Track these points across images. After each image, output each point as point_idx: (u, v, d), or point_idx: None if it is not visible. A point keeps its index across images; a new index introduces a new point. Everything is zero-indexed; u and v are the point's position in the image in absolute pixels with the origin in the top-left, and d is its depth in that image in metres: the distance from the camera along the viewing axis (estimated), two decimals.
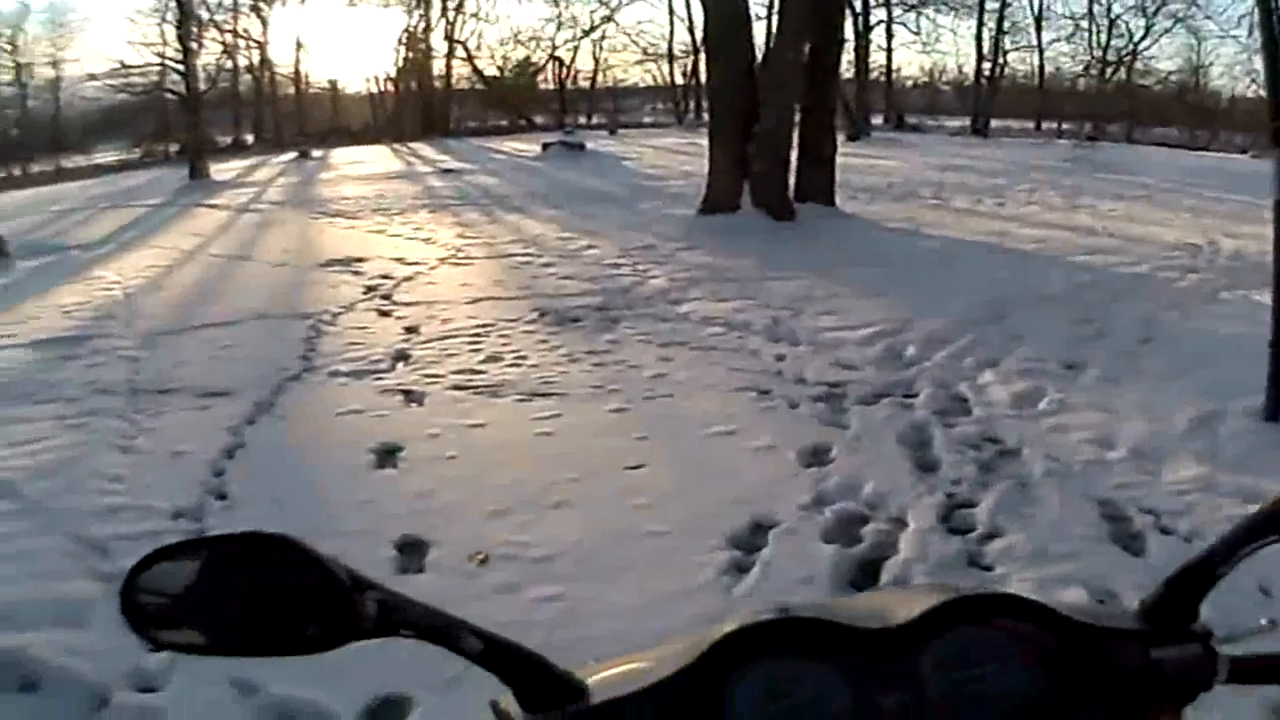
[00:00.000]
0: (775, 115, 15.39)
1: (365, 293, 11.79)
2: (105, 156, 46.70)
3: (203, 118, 36.07)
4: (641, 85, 62.81)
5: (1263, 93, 11.89)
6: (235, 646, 0.95)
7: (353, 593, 0.89)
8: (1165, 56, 77.27)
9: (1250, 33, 38.56)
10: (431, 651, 0.95)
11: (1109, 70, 52.25)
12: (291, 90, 55.61)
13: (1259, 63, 13.22)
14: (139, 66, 46.56)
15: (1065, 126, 48.76)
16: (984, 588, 1.10)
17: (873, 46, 49.25)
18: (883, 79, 53.49)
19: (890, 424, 6.81)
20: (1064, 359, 8.19)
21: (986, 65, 51.47)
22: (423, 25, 53.65)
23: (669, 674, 0.98)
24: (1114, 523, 5.26)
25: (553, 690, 0.97)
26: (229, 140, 50.59)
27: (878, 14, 51.02)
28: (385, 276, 12.73)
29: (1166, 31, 51.53)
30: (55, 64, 51.00)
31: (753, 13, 16.52)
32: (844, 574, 4.82)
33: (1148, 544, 5.01)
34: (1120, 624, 1.03)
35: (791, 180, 16.20)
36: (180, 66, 36.40)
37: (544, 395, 7.53)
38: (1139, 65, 52.59)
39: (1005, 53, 52.41)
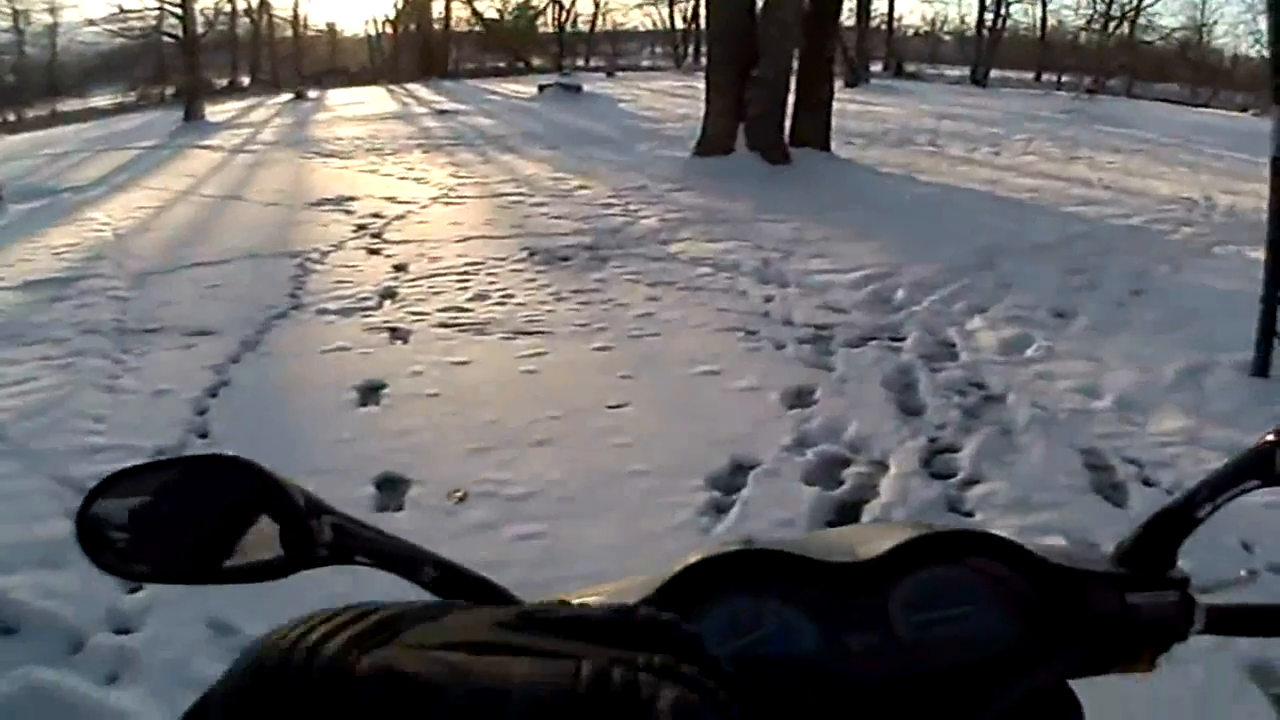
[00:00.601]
0: (774, 60, 15.24)
1: (355, 231, 11.74)
2: (101, 100, 46.50)
3: (200, 60, 35.87)
4: (641, 29, 62.73)
5: (1265, 53, 11.79)
6: (191, 574, 0.91)
7: (308, 518, 0.87)
8: (1169, 13, 77.18)
9: None
10: (406, 588, 0.91)
11: (1111, 25, 52.05)
12: (289, 33, 55.37)
13: (1263, 22, 13.16)
14: (137, 11, 46.39)
15: (1065, 79, 48.55)
16: (956, 525, 1.07)
17: None
18: (884, 26, 53.32)
19: (876, 367, 6.79)
20: (1053, 307, 8.16)
21: (989, 16, 51.18)
22: None
23: (632, 605, 0.93)
24: (1097, 472, 5.24)
25: None
26: (225, 82, 50.39)
27: None
28: (376, 215, 12.68)
29: None
30: (53, 10, 50.85)
31: None
32: (824, 516, 4.81)
33: (1130, 494, 5.00)
34: (1096, 567, 1.00)
35: (788, 125, 16.07)
36: (178, 10, 36.11)
37: (529, 333, 7.51)
38: (1142, 21, 52.44)
39: (1008, 4, 52.09)
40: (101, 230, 12.45)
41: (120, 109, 42.66)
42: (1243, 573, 1.04)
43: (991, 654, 0.94)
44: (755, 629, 0.96)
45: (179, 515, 0.89)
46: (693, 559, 0.97)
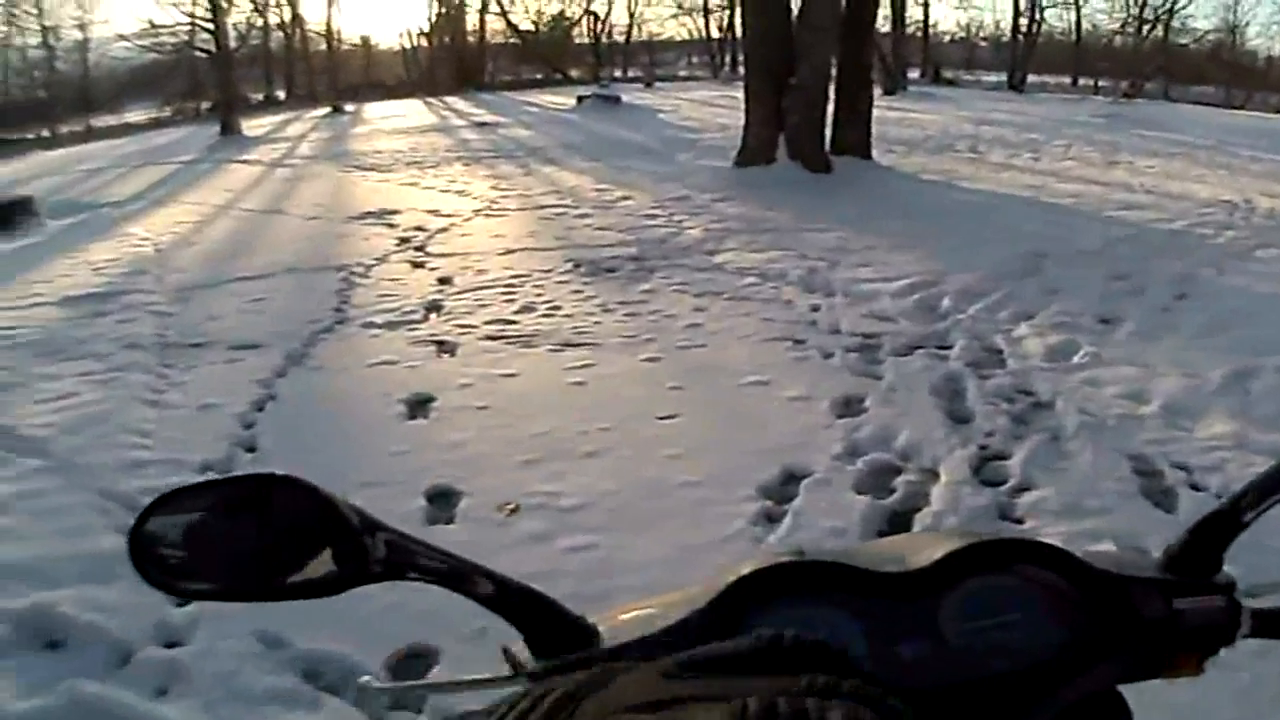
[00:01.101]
0: (811, 68, 15.16)
1: (398, 244, 11.74)
2: (135, 115, 46.81)
3: (234, 75, 36.08)
4: (677, 39, 62.82)
5: None
6: (245, 592, 0.92)
7: (362, 535, 0.88)
8: (1202, 15, 76.96)
9: None
10: (458, 603, 0.93)
11: (1145, 28, 51.79)
12: (323, 46, 55.64)
13: None
14: (168, 26, 46.56)
15: (1101, 84, 48.40)
16: (1004, 533, 1.04)
17: (910, 1, 48.92)
18: (919, 33, 53.28)
19: (924, 375, 6.73)
20: (1099, 313, 8.07)
21: (1024, 21, 51.01)
22: None
23: (682, 618, 0.96)
24: (1146, 478, 5.18)
25: (563, 635, 0.96)
26: (261, 97, 50.69)
27: None
28: (419, 228, 12.67)
29: None
30: (82, 26, 51.20)
31: None
32: (876, 525, 4.78)
33: (1179, 499, 4.94)
34: (1143, 573, 0.99)
35: (828, 134, 16.01)
36: (210, 25, 36.37)
37: (577, 345, 7.49)
38: (1175, 23, 52.19)
39: (1042, 9, 51.95)
40: (141, 245, 12.50)
41: (155, 124, 42.93)
42: None
43: (1041, 661, 0.94)
44: None
45: (232, 533, 0.90)
46: (745, 570, 0.97)
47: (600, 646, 0.96)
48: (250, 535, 0.88)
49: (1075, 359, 7.00)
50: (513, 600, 0.95)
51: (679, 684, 0.52)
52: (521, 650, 0.97)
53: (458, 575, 0.93)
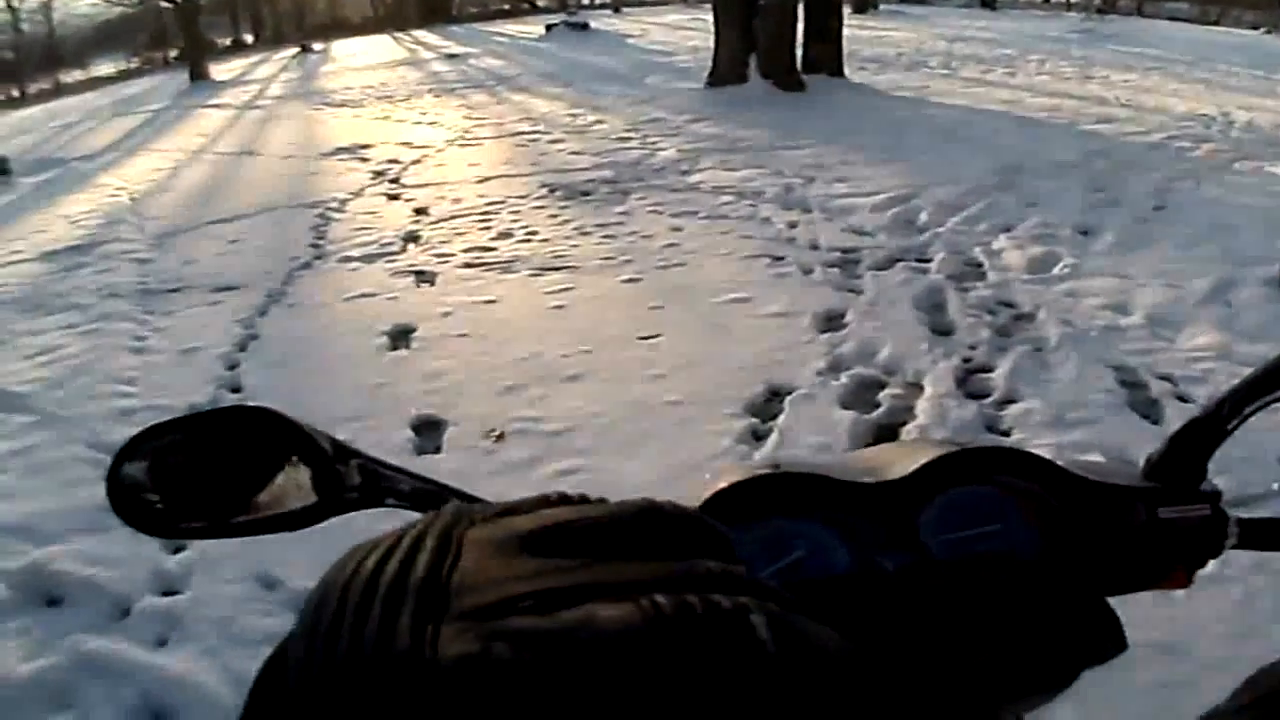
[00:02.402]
0: None
1: (373, 178, 11.69)
2: (104, 69, 46.41)
3: (200, 21, 35.68)
4: None
5: None
6: (226, 528, 0.86)
7: (336, 462, 0.84)
8: None
9: None
10: None
11: None
12: None
13: None
14: None
15: (1074, 0, 48.07)
16: (982, 442, 1.02)
17: None
18: None
19: (905, 289, 6.72)
20: (1078, 225, 8.02)
21: None
22: None
23: None
24: (1130, 389, 5.18)
25: None
26: (228, 41, 50.22)
27: None
28: (393, 161, 12.61)
29: None
30: None
31: None
32: (862, 439, 4.78)
33: (1164, 410, 4.93)
34: (1125, 481, 0.96)
35: (799, 53, 15.95)
36: None
37: (556, 269, 7.47)
38: None
39: None
40: (117, 195, 12.39)
41: (125, 76, 42.54)
42: (1275, 486, 0.99)
43: (1025, 571, 0.92)
44: (788, 553, 0.94)
45: (207, 470, 0.86)
46: (721, 484, 0.94)
47: None
48: (225, 470, 0.86)
49: (1056, 270, 6.97)
50: None
51: (563, 573, 0.46)
52: None
53: (434, 499, 0.90)
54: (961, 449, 0.96)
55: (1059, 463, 0.95)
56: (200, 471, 0.87)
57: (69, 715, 3.28)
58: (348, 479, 0.85)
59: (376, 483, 0.87)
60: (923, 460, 0.95)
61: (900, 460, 0.97)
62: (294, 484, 0.85)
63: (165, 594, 3.89)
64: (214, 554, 3.98)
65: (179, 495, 0.87)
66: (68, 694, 3.37)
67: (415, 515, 0.84)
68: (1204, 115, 13.60)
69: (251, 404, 0.87)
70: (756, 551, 0.93)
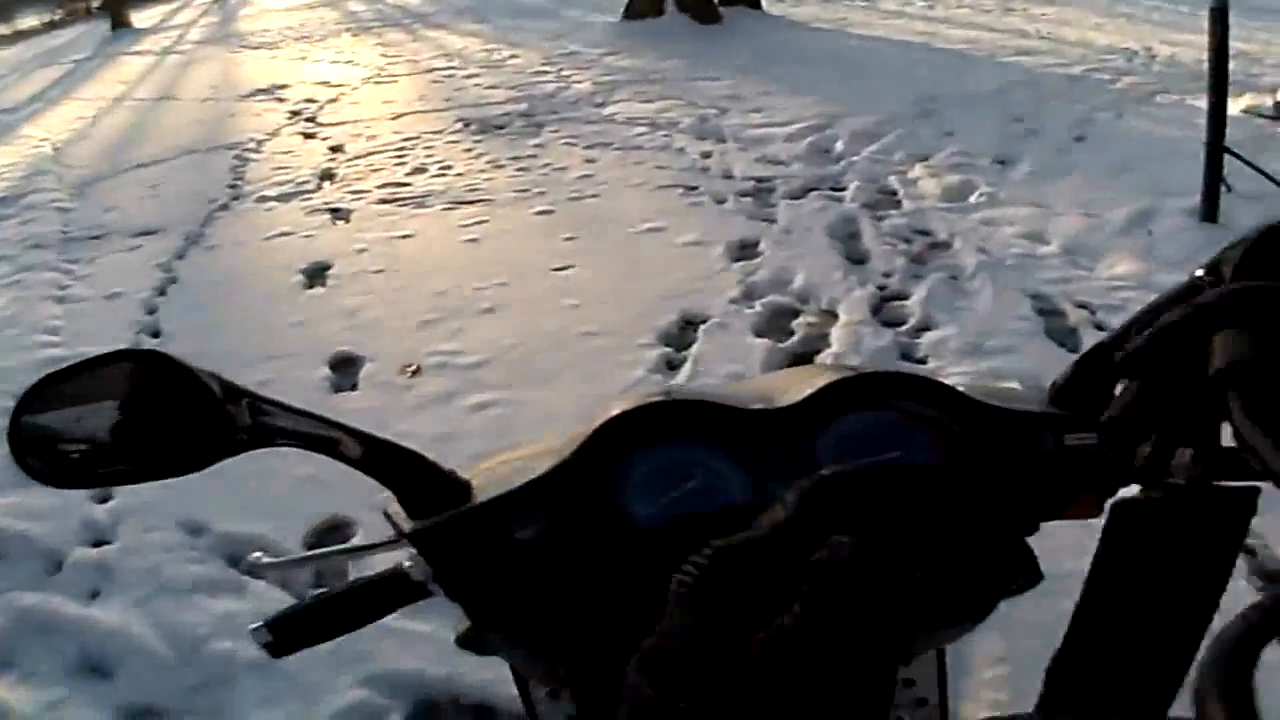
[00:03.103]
0: None
1: (289, 118, 11.49)
2: (28, 21, 45.38)
3: None
4: None
5: None
6: (122, 474, 0.89)
7: (225, 403, 0.85)
8: None
9: None
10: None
11: None
12: None
13: None
14: None
15: None
16: (880, 366, 0.99)
17: None
18: None
19: (819, 217, 6.66)
20: (995, 155, 7.89)
21: None
22: None
23: (553, 466, 0.94)
24: (1048, 317, 5.14)
25: (437, 491, 0.94)
26: None
27: None
28: (309, 100, 12.40)
29: None
30: None
31: None
32: (776, 367, 4.70)
33: (1082, 338, 4.89)
34: (1030, 408, 0.94)
35: None
36: None
37: (470, 203, 7.40)
38: None
39: None
40: (40, 146, 12.04)
41: (50, 27, 41.59)
42: None
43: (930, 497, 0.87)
44: (684, 482, 0.92)
45: (101, 417, 0.86)
46: (613, 412, 0.95)
47: (473, 501, 0.94)
48: (117, 416, 0.86)
49: (972, 199, 6.90)
50: (383, 460, 0.92)
51: None
52: (397, 510, 0.94)
53: (325, 438, 0.90)
54: (857, 374, 0.95)
55: (960, 389, 0.94)
56: (93, 419, 0.86)
57: (12, 674, 3.24)
58: (238, 419, 0.85)
59: (267, 422, 0.87)
60: (816, 386, 0.94)
61: (795, 386, 0.97)
62: (183, 427, 0.85)
63: (95, 544, 3.85)
64: (138, 502, 3.95)
65: (76, 443, 0.87)
66: (7, 652, 3.33)
67: (308, 455, 0.91)
68: (1126, 49, 13.46)
69: (135, 348, 0.89)
70: (652, 479, 0.93)
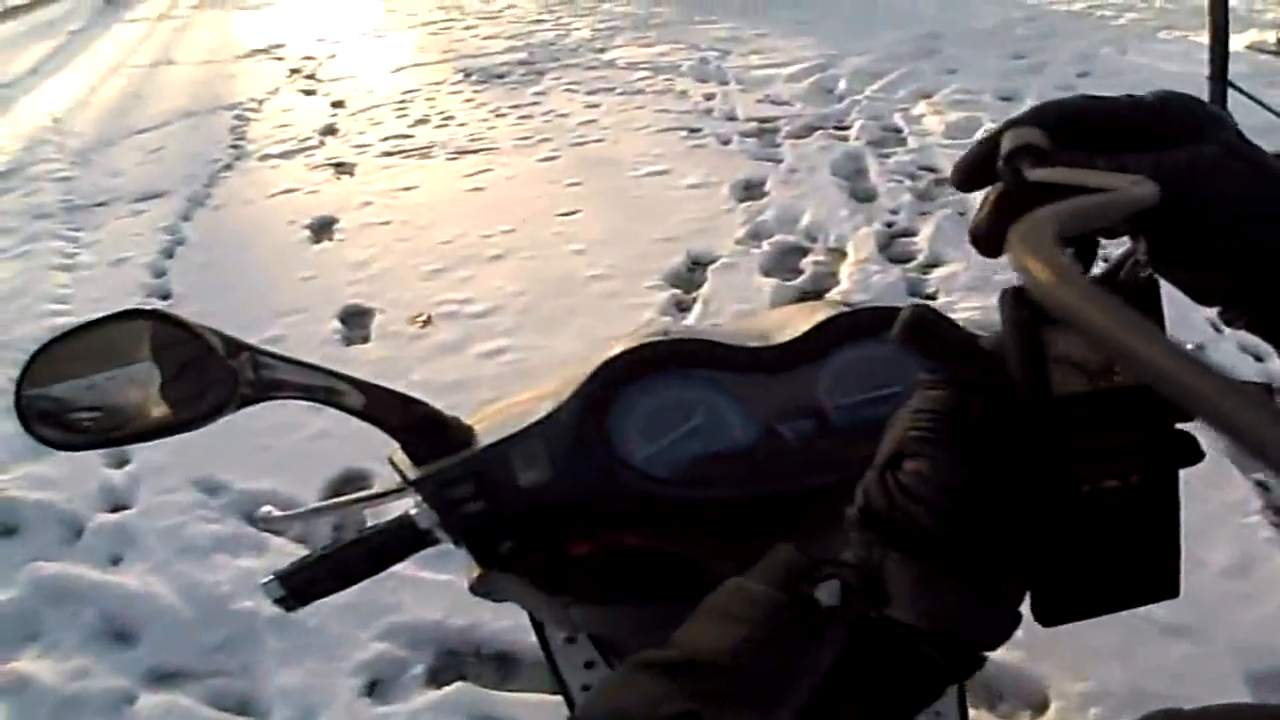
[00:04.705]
0: None
1: (289, 75, 11.40)
2: None
3: None
4: None
5: None
6: (131, 433, 0.89)
7: (228, 358, 0.85)
8: None
9: None
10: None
11: None
12: None
13: None
14: None
15: None
16: (876, 303, 0.96)
17: None
18: None
19: (824, 155, 6.60)
20: (999, 91, 7.77)
21: None
22: None
23: (554, 408, 0.96)
24: None
25: (440, 438, 0.95)
26: None
27: None
28: (308, 58, 12.28)
29: None
30: None
31: None
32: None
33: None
34: None
35: None
36: None
37: (473, 152, 7.36)
38: None
39: None
40: (38, 117, 12.02)
41: (41, 2, 41.48)
42: (1189, 347, 0.91)
43: None
44: (684, 421, 0.95)
45: (106, 378, 0.87)
46: (611, 352, 0.96)
47: (476, 446, 0.95)
48: (122, 376, 0.87)
49: (978, 135, 6.76)
50: (386, 409, 0.93)
51: None
52: (402, 459, 0.96)
53: (327, 389, 0.90)
54: (854, 309, 0.97)
55: (958, 323, 0.86)
56: (99, 380, 0.87)
57: (37, 645, 3.21)
58: (241, 374, 0.85)
59: (269, 375, 0.87)
60: (812, 322, 0.96)
61: (790, 323, 0.98)
62: (190, 382, 0.86)
63: (114, 510, 3.83)
64: (154, 463, 3.93)
65: (83, 406, 0.88)
66: (32, 622, 3.31)
67: (312, 406, 0.93)
68: None
69: (138, 308, 0.90)
70: (650, 420, 0.94)
